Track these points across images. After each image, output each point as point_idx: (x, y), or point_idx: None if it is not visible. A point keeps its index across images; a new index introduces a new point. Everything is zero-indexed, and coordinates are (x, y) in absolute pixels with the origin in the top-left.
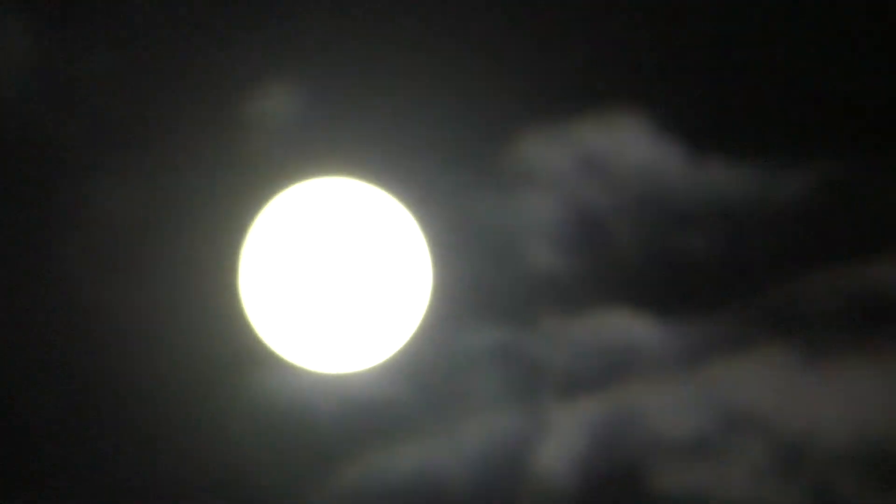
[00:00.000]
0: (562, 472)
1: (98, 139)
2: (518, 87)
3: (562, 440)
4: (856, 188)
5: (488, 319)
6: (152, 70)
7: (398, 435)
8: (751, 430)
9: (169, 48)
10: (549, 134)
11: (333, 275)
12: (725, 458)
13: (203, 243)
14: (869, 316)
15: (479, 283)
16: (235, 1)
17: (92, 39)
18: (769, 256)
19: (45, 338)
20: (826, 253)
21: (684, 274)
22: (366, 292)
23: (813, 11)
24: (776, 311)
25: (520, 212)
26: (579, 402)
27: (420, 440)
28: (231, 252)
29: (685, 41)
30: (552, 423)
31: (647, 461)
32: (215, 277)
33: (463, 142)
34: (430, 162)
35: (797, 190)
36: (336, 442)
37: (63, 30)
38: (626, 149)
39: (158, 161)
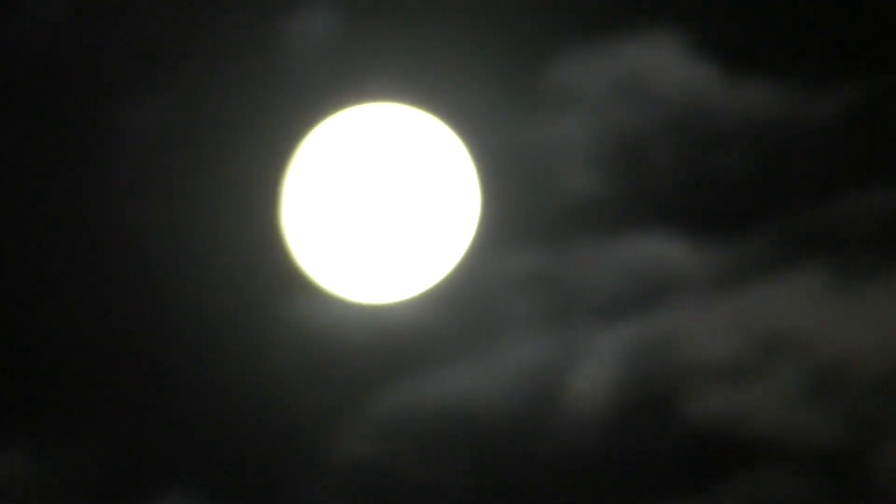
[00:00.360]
0: (597, 395)
1: (137, 60)
2: (555, 7)
3: (597, 364)
4: (892, 108)
5: (526, 244)
6: None
7: (435, 362)
8: (787, 353)
9: None
10: (585, 54)
11: (377, 202)
12: (761, 381)
13: (245, 168)
14: None
15: (520, 207)
16: None
17: None
18: (805, 177)
19: (84, 259)
20: (862, 173)
21: (720, 195)
22: (410, 220)
23: None
24: (812, 233)
25: (556, 134)
26: (615, 325)
27: (456, 366)
28: (273, 177)
29: None
30: (588, 347)
31: (683, 385)
32: (257, 203)
33: (501, 64)
34: (471, 84)
35: (833, 110)
36: (371, 370)
37: None
38: (662, 69)
39: (197, 82)
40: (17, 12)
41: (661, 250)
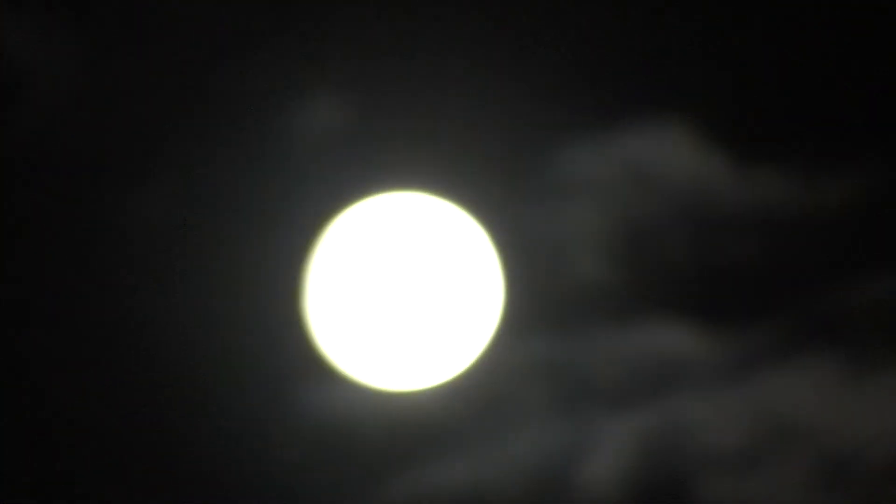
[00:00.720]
0: (608, 483)
1: (149, 147)
2: (566, 97)
3: (608, 452)
4: None
5: (541, 332)
6: (197, 84)
7: (450, 450)
8: (798, 442)
9: (214, 60)
10: (595, 143)
11: (400, 290)
12: (771, 470)
13: (267, 257)
14: None
15: (536, 296)
16: (279, 16)
17: (141, 52)
18: (816, 264)
19: (99, 344)
20: (873, 261)
21: (732, 282)
22: (434, 308)
23: (855, 20)
24: (823, 321)
25: (568, 223)
26: (626, 414)
27: (470, 454)
28: (296, 266)
29: (729, 50)
30: (599, 435)
31: (695, 473)
32: (279, 290)
33: (514, 152)
34: (487, 172)
35: (843, 197)
36: (387, 458)
37: (110, 41)
38: (671, 157)
39: (212, 172)
40: (22, 99)
41: (672, 339)
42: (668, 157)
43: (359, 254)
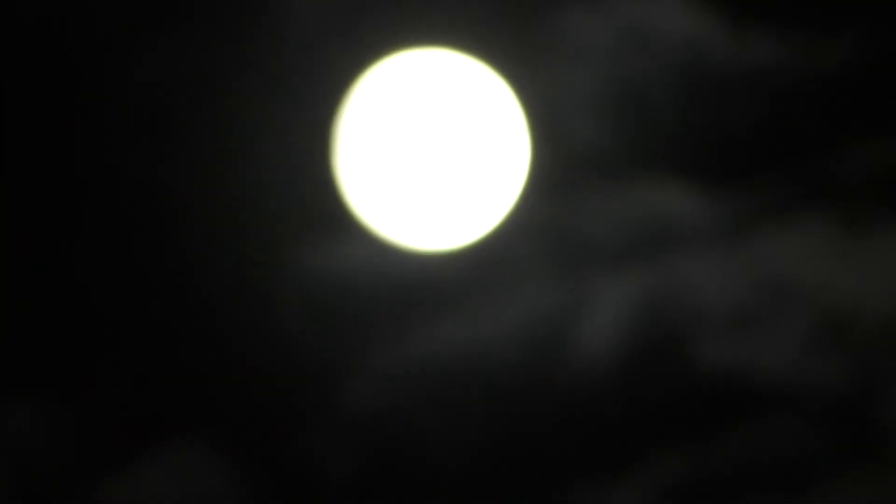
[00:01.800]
0: (606, 342)
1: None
2: None
3: (606, 312)
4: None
5: (539, 195)
6: None
7: (453, 309)
8: (794, 301)
9: None
10: (596, 5)
11: (429, 148)
12: (769, 328)
13: (296, 116)
14: None
15: (537, 159)
16: None
17: None
18: (810, 127)
19: (117, 203)
20: (867, 123)
21: (727, 144)
22: (461, 167)
23: None
24: (818, 182)
25: (564, 84)
26: (624, 274)
27: (467, 315)
28: (324, 124)
29: None
30: (597, 296)
31: (690, 332)
32: (308, 147)
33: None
34: (505, 28)
35: (838, 60)
36: (389, 314)
37: None
38: (670, 19)
39: (229, 38)
40: None
41: (668, 198)
42: (666, 19)
43: (385, 113)
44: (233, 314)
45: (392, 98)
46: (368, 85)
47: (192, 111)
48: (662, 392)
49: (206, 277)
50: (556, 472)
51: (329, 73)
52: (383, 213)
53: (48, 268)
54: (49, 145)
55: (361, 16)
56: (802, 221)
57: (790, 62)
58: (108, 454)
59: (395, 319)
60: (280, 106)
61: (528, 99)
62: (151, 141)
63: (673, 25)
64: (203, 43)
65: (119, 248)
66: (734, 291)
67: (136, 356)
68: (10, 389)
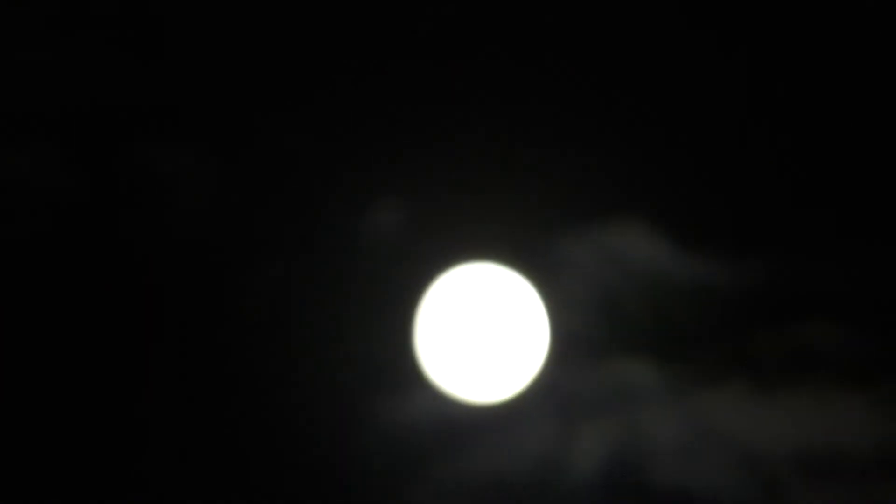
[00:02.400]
0: (589, 469)
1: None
2: (557, 198)
3: (588, 449)
4: (791, 271)
5: (551, 363)
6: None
7: (482, 440)
8: (722, 442)
9: (308, 187)
10: (584, 237)
11: (479, 332)
12: (704, 463)
13: (386, 309)
14: (804, 363)
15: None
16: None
17: (260, 173)
18: (736, 318)
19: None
20: (774, 318)
21: (675, 331)
22: (497, 344)
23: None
24: (737, 357)
25: (567, 289)
26: (601, 421)
27: (494, 445)
28: (406, 320)
29: (679, 161)
30: (581, 436)
31: (649, 464)
32: (394, 336)
33: (521, 237)
34: (523, 248)
35: (754, 275)
36: (433, 448)
37: (239, 165)
38: (636, 247)
39: (318, 266)
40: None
41: (634, 370)
42: (634, 246)
43: (450, 307)
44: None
45: (455, 297)
46: (439, 288)
47: (306, 316)
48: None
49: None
50: None
51: (408, 279)
52: (446, 373)
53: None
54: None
55: (422, 235)
56: (727, 385)
57: (721, 277)
58: None
59: (444, 450)
60: (370, 309)
61: (546, 299)
62: (271, 332)
63: (638, 251)
64: (308, 269)
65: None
66: (679, 435)
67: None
68: None
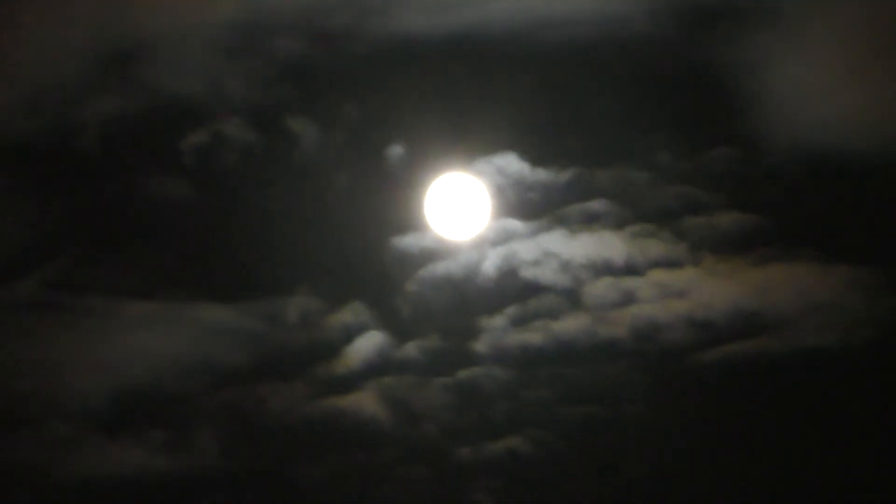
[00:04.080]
0: None
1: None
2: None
3: None
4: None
5: None
6: None
7: None
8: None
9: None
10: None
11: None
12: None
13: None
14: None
15: None
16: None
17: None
18: (557, 196)
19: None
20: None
21: (529, 198)
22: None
23: None
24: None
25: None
26: None
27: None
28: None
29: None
30: None
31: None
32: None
33: (466, 160)
34: None
35: (568, 174)
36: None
37: None
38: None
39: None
40: None
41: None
42: (510, 165)
43: (440, 194)
44: None
45: (441, 189)
46: (434, 185)
47: None
48: None
49: None
50: None
51: (417, 181)
52: (438, 223)
53: None
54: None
55: None
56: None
57: (553, 177)
58: None
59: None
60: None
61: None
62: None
63: (513, 166)
64: (360, 181)
65: None
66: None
67: None
68: None
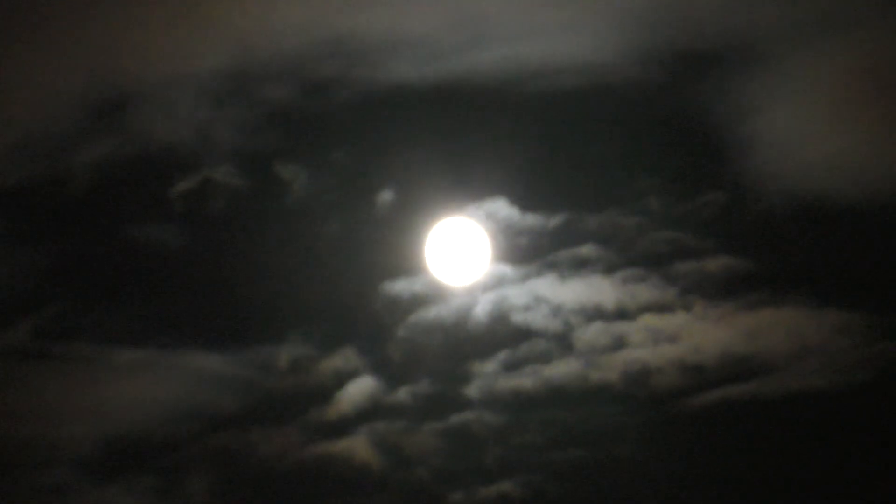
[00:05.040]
0: None
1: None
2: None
3: None
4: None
5: None
6: None
7: None
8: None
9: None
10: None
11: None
12: None
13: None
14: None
15: None
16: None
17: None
18: (547, 241)
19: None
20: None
21: (518, 243)
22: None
23: None
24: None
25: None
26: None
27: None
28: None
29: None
30: None
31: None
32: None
33: (458, 205)
34: None
35: (557, 222)
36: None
37: None
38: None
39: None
40: None
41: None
42: (501, 210)
43: (439, 238)
44: None
45: (441, 234)
46: (433, 229)
47: None
48: None
49: None
50: None
51: (415, 225)
52: (437, 267)
53: None
54: None
55: None
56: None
57: (543, 222)
58: None
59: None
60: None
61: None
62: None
63: (503, 211)
64: (360, 227)
65: None
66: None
67: None
68: None
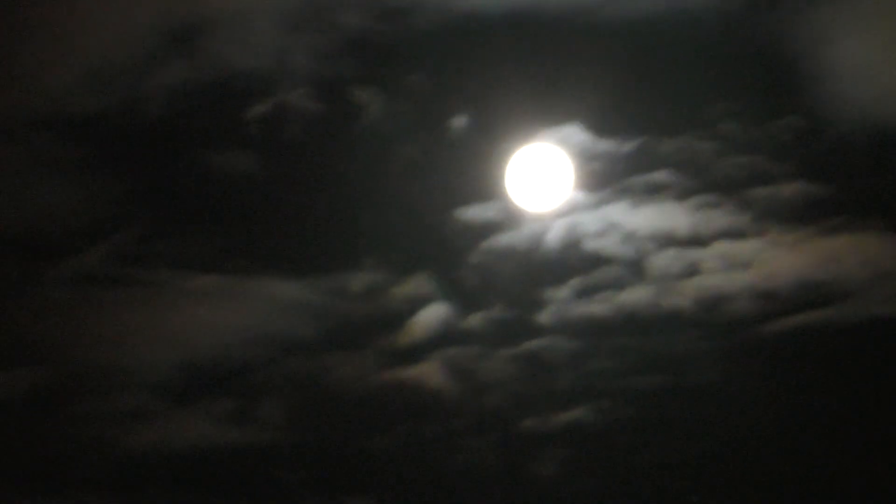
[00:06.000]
0: None
1: None
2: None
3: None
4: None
5: None
6: None
7: None
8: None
9: None
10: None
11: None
12: None
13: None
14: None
15: None
16: None
17: None
18: (617, 167)
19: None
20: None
21: (594, 165)
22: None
23: None
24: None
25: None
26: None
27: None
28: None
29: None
30: None
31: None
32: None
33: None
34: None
35: (627, 146)
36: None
37: None
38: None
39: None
40: None
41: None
42: (576, 135)
43: (521, 164)
44: None
45: (521, 160)
46: (515, 156)
47: None
48: None
49: None
50: None
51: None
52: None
53: None
54: None
55: None
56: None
57: (616, 147)
58: None
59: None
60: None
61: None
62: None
63: (577, 136)
64: (436, 151)
65: None
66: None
67: None
68: None
